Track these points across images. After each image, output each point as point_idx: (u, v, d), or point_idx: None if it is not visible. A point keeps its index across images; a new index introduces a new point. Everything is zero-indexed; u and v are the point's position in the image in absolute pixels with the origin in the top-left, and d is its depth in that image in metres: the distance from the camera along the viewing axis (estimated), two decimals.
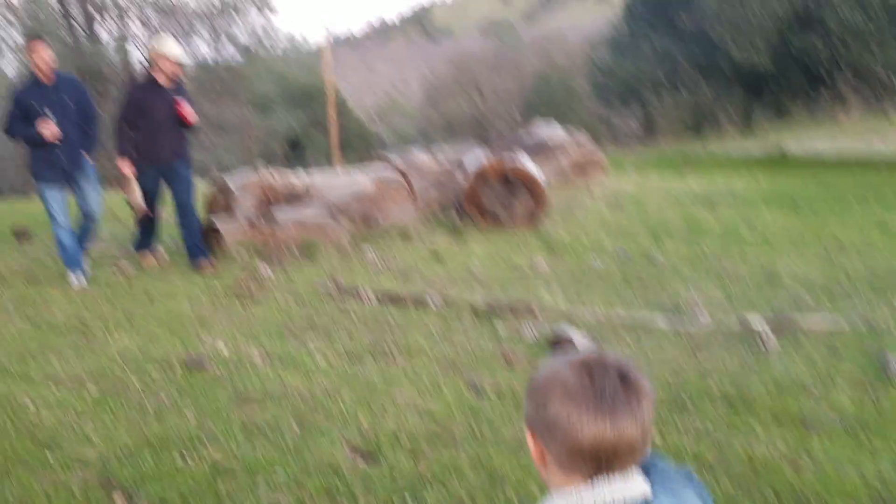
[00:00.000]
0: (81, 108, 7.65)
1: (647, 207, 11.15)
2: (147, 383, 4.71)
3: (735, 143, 23.86)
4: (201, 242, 8.32)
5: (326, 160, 40.32)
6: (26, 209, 14.80)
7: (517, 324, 5.86)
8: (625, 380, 1.40)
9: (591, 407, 1.37)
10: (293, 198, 9.75)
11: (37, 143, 7.45)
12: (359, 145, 53.17)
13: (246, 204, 9.33)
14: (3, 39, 28.96)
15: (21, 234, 10.60)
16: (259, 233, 8.72)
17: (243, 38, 32.15)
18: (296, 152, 44.46)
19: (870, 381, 4.49)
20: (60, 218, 7.60)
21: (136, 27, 30.58)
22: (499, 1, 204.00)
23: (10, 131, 7.61)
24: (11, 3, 27.09)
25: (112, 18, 29.72)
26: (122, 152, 8.06)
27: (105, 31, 30.12)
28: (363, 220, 9.53)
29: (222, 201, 9.52)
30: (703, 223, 9.93)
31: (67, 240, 7.66)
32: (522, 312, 6.10)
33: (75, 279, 7.64)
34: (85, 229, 7.95)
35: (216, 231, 8.77)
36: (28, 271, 8.32)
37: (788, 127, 26.02)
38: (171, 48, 8.15)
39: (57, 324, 6.15)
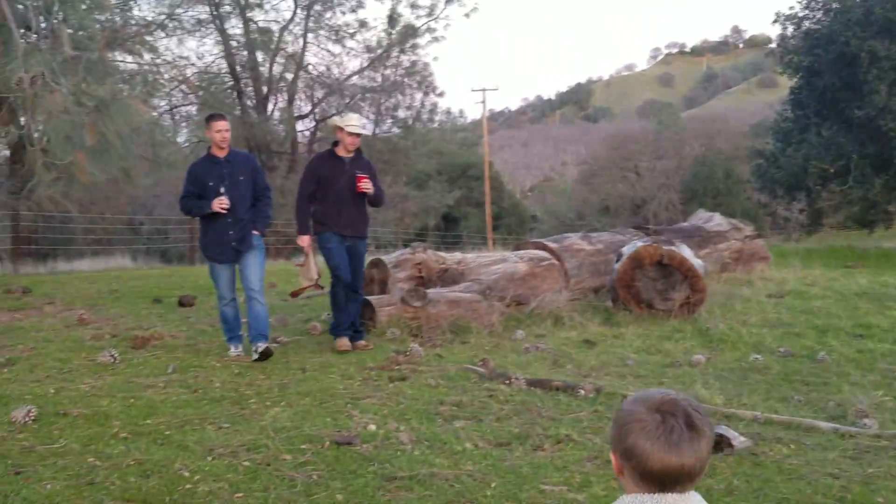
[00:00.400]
0: (255, 186, 7.76)
1: (812, 302, 10.75)
2: (298, 458, 4.76)
3: None
4: (359, 322, 8.41)
5: (480, 236, 40.86)
6: (192, 277, 15.60)
7: None
8: (689, 422, 1.78)
9: (662, 443, 1.76)
10: (446, 276, 9.90)
11: (209, 221, 7.61)
12: (513, 222, 53.64)
13: (400, 281, 9.53)
14: (178, 112, 30.69)
15: (185, 303, 11.14)
16: (412, 310, 8.86)
17: (403, 113, 33.06)
18: (450, 227, 45.14)
19: None
20: (225, 293, 7.75)
21: (303, 102, 31.97)
22: (659, 82, 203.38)
23: (186, 207, 7.78)
24: (186, 77, 28.69)
25: (280, 94, 31.12)
26: (303, 229, 8.18)
27: (273, 106, 31.49)
28: (515, 301, 9.56)
29: (377, 277, 9.76)
30: (873, 322, 9.49)
31: (230, 314, 7.84)
32: None
33: (234, 350, 7.83)
34: (254, 314, 7.68)
35: (370, 307, 8.98)
36: (190, 340, 8.64)
37: None
38: (349, 120, 8.21)
39: (214, 393, 6.32)
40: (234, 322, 7.89)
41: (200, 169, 7.70)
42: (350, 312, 8.24)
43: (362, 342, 8.16)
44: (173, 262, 24.43)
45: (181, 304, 11.15)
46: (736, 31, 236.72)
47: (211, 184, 7.52)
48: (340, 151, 8.17)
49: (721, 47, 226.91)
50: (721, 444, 4.99)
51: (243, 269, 7.68)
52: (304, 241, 8.15)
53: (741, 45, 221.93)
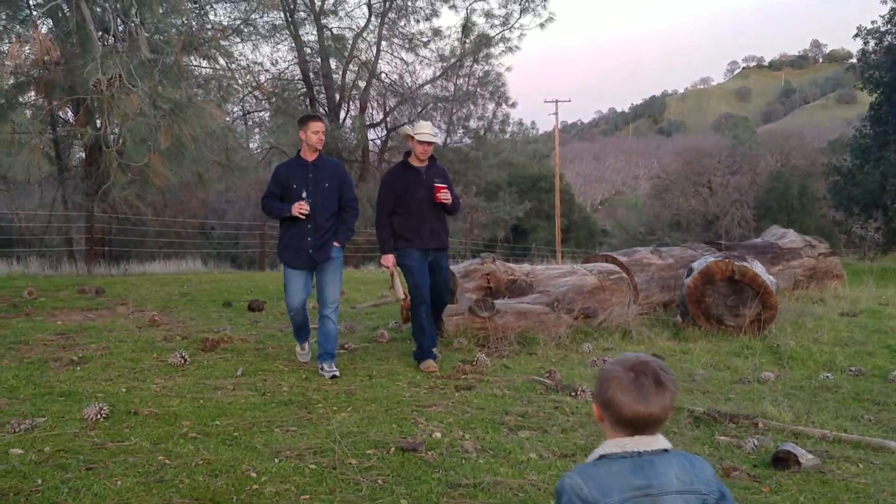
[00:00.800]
0: (341, 195, 7.42)
1: (886, 322, 10.57)
2: (363, 463, 4.82)
3: None
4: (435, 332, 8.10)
5: (549, 249, 40.76)
6: (262, 282, 15.85)
7: (738, 434, 5.72)
8: (657, 379, 2.25)
9: (634, 396, 2.22)
10: (515, 287, 9.96)
11: (288, 224, 7.32)
12: (582, 236, 53.40)
13: (468, 291, 9.61)
14: (251, 117, 31.14)
15: (255, 308, 11.34)
16: (479, 321, 8.92)
17: (475, 123, 33.08)
18: (518, 239, 45.12)
19: None
20: (294, 301, 7.43)
21: (375, 111, 32.21)
22: (735, 96, 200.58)
23: (266, 208, 7.46)
24: (260, 83, 29.08)
25: (353, 102, 31.41)
26: (384, 248, 7.84)
27: (345, 114, 31.76)
28: (583, 314, 9.58)
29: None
30: None
31: (300, 319, 7.59)
32: (745, 424, 5.95)
33: (301, 352, 7.81)
34: (324, 331, 7.39)
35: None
36: (259, 343, 8.72)
37: None
38: (420, 128, 7.86)
39: (282, 397, 6.39)
40: (301, 329, 7.72)
41: (286, 170, 7.43)
42: (431, 336, 7.88)
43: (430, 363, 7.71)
44: (244, 267, 24.76)
45: (250, 308, 11.34)
46: (815, 45, 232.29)
47: (294, 186, 7.25)
48: (413, 161, 7.86)
49: (800, 62, 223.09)
50: (788, 461, 4.98)
51: (320, 282, 7.40)
52: (388, 260, 7.81)
53: (821, 60, 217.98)
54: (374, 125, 32.00)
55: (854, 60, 31.16)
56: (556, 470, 4.84)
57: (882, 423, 6.20)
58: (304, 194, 7.19)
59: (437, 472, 4.70)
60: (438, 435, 5.41)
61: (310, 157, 7.37)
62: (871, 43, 27.71)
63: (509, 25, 31.49)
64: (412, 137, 7.84)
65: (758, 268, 9.80)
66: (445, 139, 32.80)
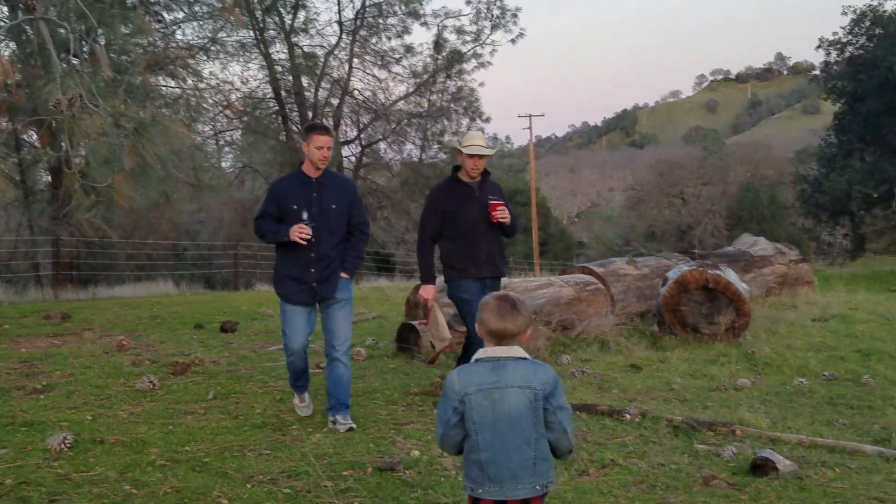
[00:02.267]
0: (349, 218, 6.31)
1: (857, 327, 10.71)
2: (339, 485, 4.75)
3: None
4: None
5: (526, 262, 40.86)
6: (235, 302, 15.74)
7: (717, 442, 5.76)
8: (513, 305, 3.14)
9: (496, 317, 3.12)
10: None
11: (287, 251, 6.22)
12: (559, 248, 53.61)
13: (446, 305, 9.59)
14: (223, 136, 31.04)
15: (227, 329, 11.23)
16: (459, 335, 8.89)
17: (449, 138, 33.16)
18: None
19: None
20: (294, 342, 6.25)
21: (348, 128, 32.23)
22: (704, 109, 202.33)
23: (259, 230, 6.36)
24: (230, 102, 28.96)
25: (326, 119, 31.42)
26: (425, 276, 6.95)
27: None
28: (561, 326, 9.61)
29: (423, 302, 9.82)
30: None
31: (299, 366, 6.38)
32: (723, 431, 6.00)
33: (301, 405, 6.59)
34: (334, 378, 6.24)
35: (415, 332, 9.06)
36: (231, 366, 8.54)
37: None
38: (471, 139, 6.83)
39: (255, 420, 6.28)
40: (300, 376, 6.48)
41: (284, 188, 6.30)
42: None
43: None
44: (217, 288, 24.55)
45: (223, 329, 11.21)
46: (780, 57, 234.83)
47: (294, 207, 6.15)
48: (464, 177, 6.90)
49: (765, 74, 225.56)
50: (766, 468, 5.02)
51: (327, 321, 6.25)
52: (429, 291, 6.92)
53: (785, 72, 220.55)
54: (348, 142, 32.00)
55: (817, 72, 31.56)
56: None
57: (856, 427, 6.28)
58: (304, 216, 6.11)
59: (416, 492, 4.66)
60: (417, 453, 5.36)
61: (313, 173, 6.26)
62: (834, 54, 28.13)
63: (481, 41, 31.67)
64: (461, 151, 6.84)
65: (731, 276, 9.90)
66: (420, 155, 32.88)
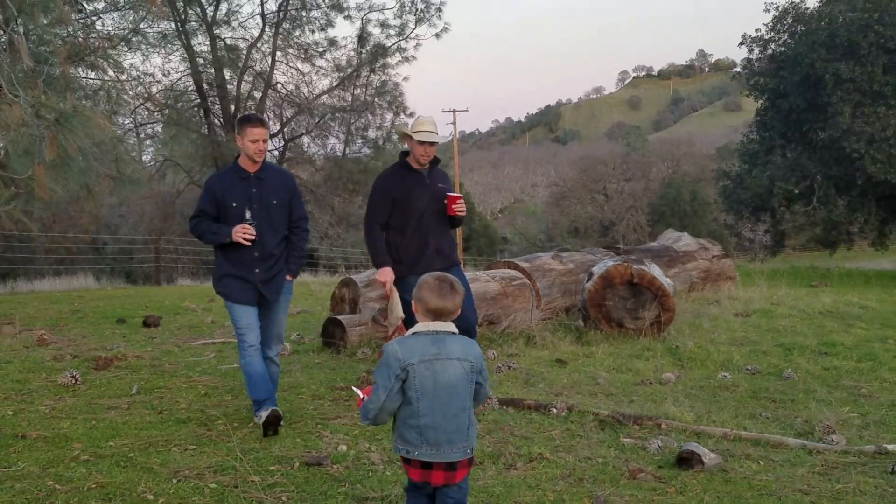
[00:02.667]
0: (291, 213, 6.03)
1: (778, 321, 10.89)
2: (266, 479, 4.70)
3: (868, 259, 23.09)
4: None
5: None
6: (157, 297, 15.45)
7: (642, 436, 5.77)
8: (451, 286, 3.46)
9: (437, 295, 3.43)
10: None
11: (228, 251, 5.88)
12: (483, 244, 53.85)
13: (371, 301, 9.50)
14: (144, 129, 30.50)
15: (150, 324, 11.02)
16: (384, 330, 8.82)
17: (373, 133, 33.03)
18: None
19: None
20: (250, 337, 5.88)
21: (271, 122, 31.89)
22: (627, 105, 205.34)
23: (197, 231, 5.98)
24: (152, 94, 28.46)
25: (248, 112, 31.04)
26: (379, 260, 6.57)
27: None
28: (487, 321, 9.59)
29: (348, 296, 9.72)
30: (837, 340, 9.63)
31: (258, 365, 5.88)
32: (649, 425, 6.01)
33: (262, 413, 5.73)
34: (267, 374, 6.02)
35: (341, 327, 8.95)
36: (155, 360, 8.43)
37: None
38: (421, 125, 6.54)
39: (180, 415, 6.19)
40: (262, 381, 5.87)
41: (222, 185, 5.91)
42: None
43: None
44: (139, 283, 24.17)
45: (146, 324, 11.01)
46: (702, 55, 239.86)
47: (234, 205, 5.81)
48: (413, 164, 6.61)
49: (687, 71, 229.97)
50: (692, 461, 5.03)
51: (265, 318, 6.02)
52: (385, 274, 6.50)
53: (707, 69, 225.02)
54: (271, 136, 31.63)
55: (739, 69, 32.14)
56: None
57: (779, 420, 6.35)
58: (247, 215, 5.78)
59: (344, 486, 4.61)
60: (344, 448, 5.32)
61: (250, 167, 5.91)
62: (756, 50, 28.62)
63: (405, 35, 31.51)
64: (410, 136, 6.54)
65: (655, 271, 9.97)
66: (344, 149, 32.67)
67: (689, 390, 7.33)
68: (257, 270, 5.83)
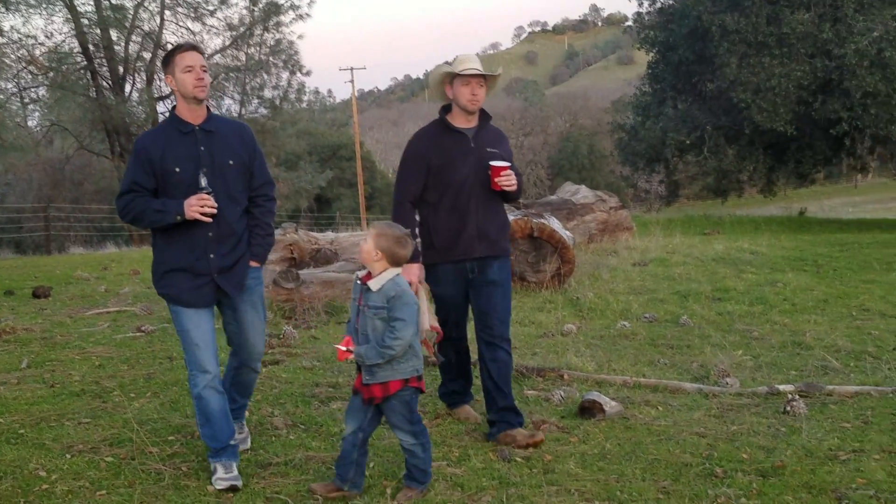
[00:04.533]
0: (251, 178, 4.46)
1: (674, 269, 11.16)
2: (165, 450, 4.62)
3: (758, 206, 23.80)
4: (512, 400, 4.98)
5: (354, 217, 40.69)
6: (47, 267, 14.95)
7: (546, 388, 5.86)
8: (405, 234, 4.01)
9: (403, 247, 3.97)
10: (320, 256, 9.82)
11: (173, 234, 4.26)
12: (386, 202, 53.59)
13: (272, 263, 9.38)
14: (28, 94, 29.37)
15: (40, 295, 10.67)
16: (285, 293, 8.74)
17: (270, 93, 32.49)
18: (323, 209, 44.80)
19: None
20: (204, 359, 4.30)
21: (163, 83, 31.03)
22: (524, 60, 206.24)
23: (129, 211, 4.27)
24: (34, 57, 27.41)
25: (139, 74, 30.16)
26: (412, 254, 4.43)
27: (130, 87, 30.46)
28: None
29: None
30: (730, 286, 9.93)
31: (215, 402, 4.29)
32: (552, 377, 6.11)
33: (227, 476, 4.16)
34: (239, 382, 4.70)
35: None
36: (46, 332, 8.17)
37: (810, 190, 25.92)
38: (464, 62, 5.02)
39: (73, 388, 6.02)
40: (220, 420, 4.29)
41: (158, 145, 4.26)
42: (466, 371, 5.38)
43: (523, 431, 4.80)
44: (28, 253, 23.36)
45: (35, 295, 10.66)
46: (594, 9, 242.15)
47: (178, 170, 4.21)
48: (456, 120, 5.06)
49: (581, 25, 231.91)
50: (594, 410, 5.14)
51: (236, 323, 4.51)
52: (412, 272, 4.72)
53: (600, 24, 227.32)
54: (163, 97, 30.71)
55: (630, 23, 32.51)
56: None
57: (677, 366, 6.53)
58: (202, 181, 4.20)
59: (246, 453, 4.58)
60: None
61: (194, 116, 4.32)
62: (646, 4, 29.00)
63: None
64: (452, 77, 5.00)
65: (555, 224, 10.09)
66: (240, 110, 32.04)
67: (590, 340, 7.47)
68: (213, 256, 4.26)
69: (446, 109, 5.11)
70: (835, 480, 4.07)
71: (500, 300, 5.00)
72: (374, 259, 3.94)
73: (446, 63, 5.00)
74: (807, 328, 7.73)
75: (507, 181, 4.86)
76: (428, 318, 4.70)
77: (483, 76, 4.95)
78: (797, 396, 5.34)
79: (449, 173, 4.93)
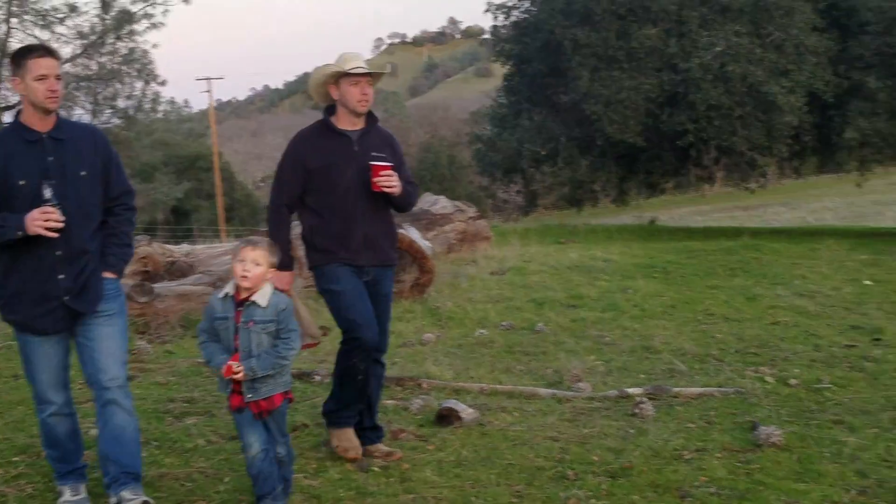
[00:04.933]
0: (107, 187, 4.08)
1: (530, 278, 11.38)
2: (9, 472, 4.47)
3: (612, 215, 24.52)
4: (377, 411, 5.05)
5: (213, 229, 39.87)
6: None
7: (404, 397, 5.90)
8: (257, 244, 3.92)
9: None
10: (175, 269, 9.61)
11: (17, 253, 3.87)
12: (246, 214, 52.71)
13: (123, 277, 9.10)
14: None
15: None
16: (138, 307, 8.49)
17: (123, 103, 31.62)
18: (180, 221, 43.71)
19: (741, 449, 4.70)
20: (50, 392, 4.09)
21: (9, 92, 29.77)
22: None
23: None
24: None
25: None
26: (284, 261, 4.46)
27: None
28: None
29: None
30: (584, 293, 10.20)
31: (61, 430, 4.14)
32: (410, 386, 6.15)
33: (70, 497, 4.10)
34: (111, 430, 4.03)
35: None
36: None
37: (661, 199, 26.84)
38: (350, 60, 4.72)
39: None
40: (68, 443, 4.17)
41: (0, 154, 3.89)
42: (367, 393, 4.84)
43: (382, 447, 4.81)
44: None
45: None
46: (453, 21, 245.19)
47: (22, 182, 3.84)
48: (341, 121, 4.80)
49: (439, 38, 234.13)
50: (451, 417, 5.21)
51: (90, 347, 4.02)
52: (285, 281, 4.55)
53: (458, 36, 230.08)
54: (9, 108, 29.40)
55: (487, 35, 33.00)
56: (225, 454, 4.74)
57: (532, 372, 6.69)
58: (47, 193, 3.82)
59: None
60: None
61: (41, 124, 3.94)
62: (501, 17, 29.43)
63: (151, 1, 30.18)
64: (338, 77, 4.71)
65: (414, 234, 10.16)
66: (92, 120, 30.98)
67: (448, 349, 7.56)
68: (62, 277, 3.87)
69: (330, 111, 4.84)
70: (679, 479, 4.25)
71: (386, 311, 4.93)
72: (267, 278, 3.93)
73: (331, 64, 4.77)
74: (655, 333, 8.02)
75: (387, 181, 4.56)
76: (312, 324, 4.69)
77: (371, 75, 4.73)
78: (645, 399, 5.57)
79: (331, 178, 4.66)
